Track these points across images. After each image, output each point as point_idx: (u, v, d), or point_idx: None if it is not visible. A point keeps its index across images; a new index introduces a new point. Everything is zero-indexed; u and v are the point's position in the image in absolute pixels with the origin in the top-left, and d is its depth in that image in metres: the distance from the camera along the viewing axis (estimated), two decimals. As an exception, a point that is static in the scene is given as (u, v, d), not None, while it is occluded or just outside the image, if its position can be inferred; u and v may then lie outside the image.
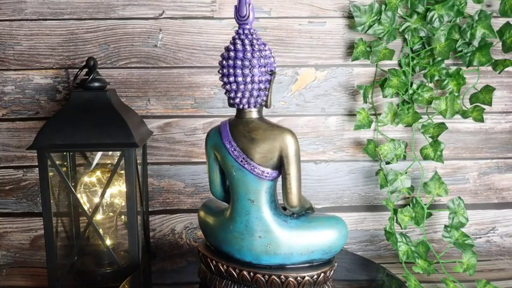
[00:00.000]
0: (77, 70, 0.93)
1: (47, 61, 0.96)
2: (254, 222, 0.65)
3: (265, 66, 0.63)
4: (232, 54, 0.63)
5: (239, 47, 0.63)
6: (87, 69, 0.83)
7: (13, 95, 0.96)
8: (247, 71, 0.62)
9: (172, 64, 0.97)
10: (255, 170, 0.64)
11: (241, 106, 0.65)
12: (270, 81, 0.64)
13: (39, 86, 0.96)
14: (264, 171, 0.64)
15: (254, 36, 0.64)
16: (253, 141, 0.64)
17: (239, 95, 0.64)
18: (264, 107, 0.67)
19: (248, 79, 0.63)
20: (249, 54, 0.62)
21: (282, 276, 0.63)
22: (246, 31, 0.64)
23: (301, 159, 0.65)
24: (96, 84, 0.82)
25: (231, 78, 0.63)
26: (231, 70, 0.63)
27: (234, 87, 0.64)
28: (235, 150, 0.64)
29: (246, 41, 0.63)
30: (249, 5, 0.64)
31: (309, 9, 0.97)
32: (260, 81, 0.63)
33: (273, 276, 0.64)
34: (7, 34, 0.95)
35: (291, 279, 0.63)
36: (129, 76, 0.97)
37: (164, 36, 0.96)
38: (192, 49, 0.97)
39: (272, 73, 0.64)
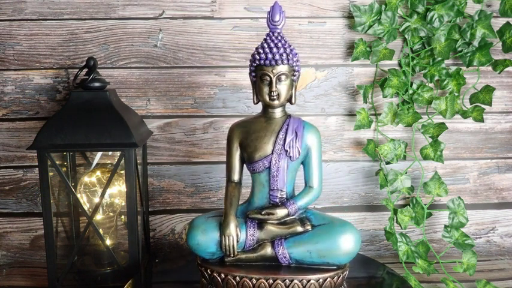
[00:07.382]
0: (77, 70, 0.93)
1: (47, 61, 0.96)
2: None
3: (249, 68, 0.70)
4: None
5: None
6: (87, 69, 0.83)
7: (13, 95, 0.96)
8: None
9: (172, 64, 0.97)
10: None
11: None
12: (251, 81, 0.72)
13: (39, 86, 0.96)
14: None
15: (265, 37, 0.70)
16: None
17: None
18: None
19: None
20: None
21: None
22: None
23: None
24: (96, 84, 0.82)
25: None
26: None
27: None
28: None
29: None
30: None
31: (309, 9, 0.97)
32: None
33: None
34: (7, 34, 0.95)
35: None
36: (129, 76, 0.97)
37: (164, 36, 0.96)
38: (192, 49, 0.97)
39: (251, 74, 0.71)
